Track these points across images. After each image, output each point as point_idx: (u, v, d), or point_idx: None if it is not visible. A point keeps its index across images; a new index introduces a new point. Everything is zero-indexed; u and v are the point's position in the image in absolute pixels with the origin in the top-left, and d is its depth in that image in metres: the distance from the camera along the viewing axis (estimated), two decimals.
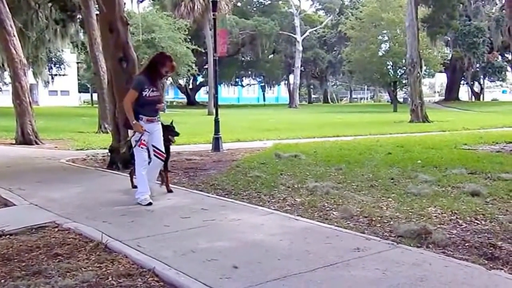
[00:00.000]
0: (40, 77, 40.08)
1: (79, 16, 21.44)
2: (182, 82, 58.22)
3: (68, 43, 31.48)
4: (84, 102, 73.63)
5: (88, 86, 63.28)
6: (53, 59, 50.03)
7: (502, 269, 3.92)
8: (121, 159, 9.83)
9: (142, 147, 6.42)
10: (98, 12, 12.40)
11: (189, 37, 30.30)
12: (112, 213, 5.97)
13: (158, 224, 5.43)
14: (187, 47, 29.43)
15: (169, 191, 7.18)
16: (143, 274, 3.90)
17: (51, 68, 51.72)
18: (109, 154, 10.33)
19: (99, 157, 11.46)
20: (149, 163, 6.58)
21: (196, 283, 3.64)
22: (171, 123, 7.22)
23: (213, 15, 14.54)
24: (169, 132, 7.03)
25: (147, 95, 6.30)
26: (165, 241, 4.77)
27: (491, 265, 3.99)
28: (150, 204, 6.31)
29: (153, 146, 6.50)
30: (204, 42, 41.67)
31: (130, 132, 6.57)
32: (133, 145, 6.51)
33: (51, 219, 5.66)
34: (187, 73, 30.68)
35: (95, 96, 42.53)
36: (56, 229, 5.30)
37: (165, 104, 44.77)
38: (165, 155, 6.68)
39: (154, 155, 6.52)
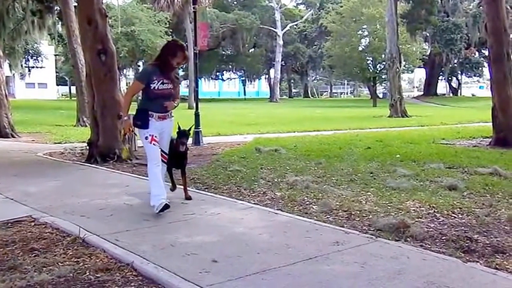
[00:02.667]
0: (16, 69, 39.47)
1: (56, 7, 21.14)
2: None
3: (46, 35, 30.99)
4: (62, 95, 72.68)
5: (66, 79, 62.51)
6: (30, 51, 49.30)
7: (478, 261, 3.98)
8: (99, 153, 9.76)
9: (154, 144, 5.58)
10: (76, 4, 12.23)
11: (170, 30, 30.07)
12: (90, 207, 5.90)
13: (137, 218, 5.38)
14: (167, 41, 29.23)
15: (188, 197, 6.22)
16: (121, 268, 3.86)
17: (28, 60, 50.97)
18: (87, 147, 10.22)
19: (77, 151, 11.32)
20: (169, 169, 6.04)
21: (175, 277, 3.62)
22: (189, 129, 6.31)
23: (194, 8, 14.45)
24: (180, 137, 6.06)
25: (156, 87, 5.50)
26: (144, 235, 4.73)
27: (467, 258, 4.04)
28: (167, 207, 5.38)
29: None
30: (185, 35, 41.41)
31: (137, 130, 5.76)
32: (142, 142, 5.75)
33: (27, 213, 5.58)
34: None
35: (73, 89, 42.03)
36: (33, 224, 5.22)
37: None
38: (167, 158, 5.86)
39: None
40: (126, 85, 64.03)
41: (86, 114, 17.14)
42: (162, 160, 5.77)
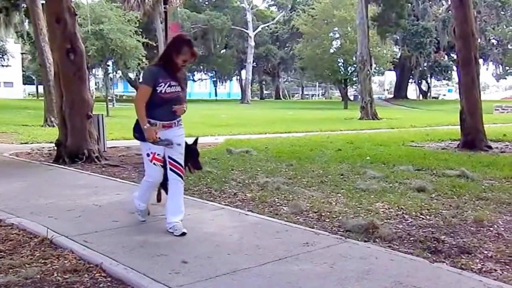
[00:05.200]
0: None
1: (23, 4, 20.76)
2: (132, 75, 57.27)
3: (12, 33, 30.42)
4: (29, 94, 71.24)
5: (33, 78, 61.29)
6: None
7: (444, 262, 4.05)
8: (68, 153, 9.62)
9: (155, 163, 4.84)
10: (44, 1, 12.00)
11: (140, 30, 29.74)
12: (58, 208, 5.80)
13: (106, 219, 5.32)
14: (138, 40, 28.81)
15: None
16: (89, 269, 3.81)
17: None
18: (55, 148, 10.06)
19: (44, 151, 11.13)
20: (164, 181, 5.06)
21: (144, 278, 3.59)
22: (195, 142, 5.36)
23: (164, 8, 14.39)
24: (191, 159, 5.15)
25: (163, 91, 4.68)
26: (113, 236, 4.68)
27: (434, 258, 4.12)
28: (144, 221, 5.17)
29: (170, 158, 4.85)
30: (155, 35, 41.10)
31: (142, 144, 4.90)
32: (144, 157, 4.95)
33: None
34: (137, 66, 30.05)
35: (40, 88, 41.27)
36: None
37: (114, 97, 43.71)
38: (184, 170, 4.96)
39: (171, 169, 4.87)
40: (95, 84, 62.90)
41: (54, 114, 16.83)
42: (177, 172, 4.87)
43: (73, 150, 9.63)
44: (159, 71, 4.78)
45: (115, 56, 29.25)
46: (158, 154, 4.80)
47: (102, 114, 11.64)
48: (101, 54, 28.12)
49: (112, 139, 13.65)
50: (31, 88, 70.58)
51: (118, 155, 10.74)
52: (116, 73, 38.87)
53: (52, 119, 18.17)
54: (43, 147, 11.76)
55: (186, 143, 5.05)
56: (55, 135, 10.75)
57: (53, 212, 5.60)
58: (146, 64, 30.92)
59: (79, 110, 9.72)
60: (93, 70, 37.95)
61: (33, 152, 11.18)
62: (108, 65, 32.52)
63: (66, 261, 4.00)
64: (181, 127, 4.97)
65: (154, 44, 37.67)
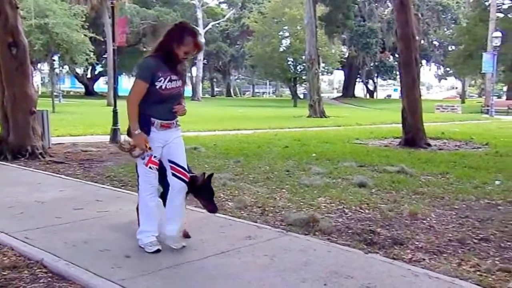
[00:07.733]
0: None
1: None
2: (79, 71, 56.07)
3: None
4: None
5: None
6: None
7: (378, 252, 4.26)
8: (10, 150, 9.39)
9: (151, 167, 4.18)
10: None
11: (87, 24, 29.12)
12: None
13: (49, 215, 5.26)
14: (85, 35, 28.20)
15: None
16: (30, 266, 3.79)
17: None
18: None
19: None
20: (165, 191, 4.39)
21: (86, 273, 3.61)
22: (210, 177, 4.55)
23: (111, 3, 14.17)
24: (204, 198, 4.54)
25: (163, 86, 4.05)
26: (55, 232, 4.65)
27: (369, 250, 4.31)
28: (158, 251, 4.12)
29: (171, 161, 4.25)
30: (103, 30, 40.37)
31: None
32: (137, 162, 4.26)
33: None
34: (84, 61, 29.44)
35: None
36: None
37: (61, 93, 42.55)
38: (188, 175, 4.32)
39: (173, 174, 4.24)
40: (41, 80, 60.85)
41: None
42: (181, 177, 4.27)
43: (16, 147, 9.42)
44: (158, 63, 4.10)
45: (61, 51, 28.55)
46: (154, 157, 4.16)
47: (47, 110, 11.41)
48: (46, 48, 27.40)
49: (58, 135, 13.41)
50: None
51: (63, 151, 10.57)
52: (63, 68, 37.94)
53: None
54: None
55: (204, 182, 4.45)
56: None
57: None
58: (94, 59, 30.41)
59: (22, 105, 9.51)
60: (39, 65, 36.91)
61: None
62: (54, 60, 31.71)
63: (5, 258, 3.96)
64: (178, 128, 4.37)
65: (102, 39, 37.00)
